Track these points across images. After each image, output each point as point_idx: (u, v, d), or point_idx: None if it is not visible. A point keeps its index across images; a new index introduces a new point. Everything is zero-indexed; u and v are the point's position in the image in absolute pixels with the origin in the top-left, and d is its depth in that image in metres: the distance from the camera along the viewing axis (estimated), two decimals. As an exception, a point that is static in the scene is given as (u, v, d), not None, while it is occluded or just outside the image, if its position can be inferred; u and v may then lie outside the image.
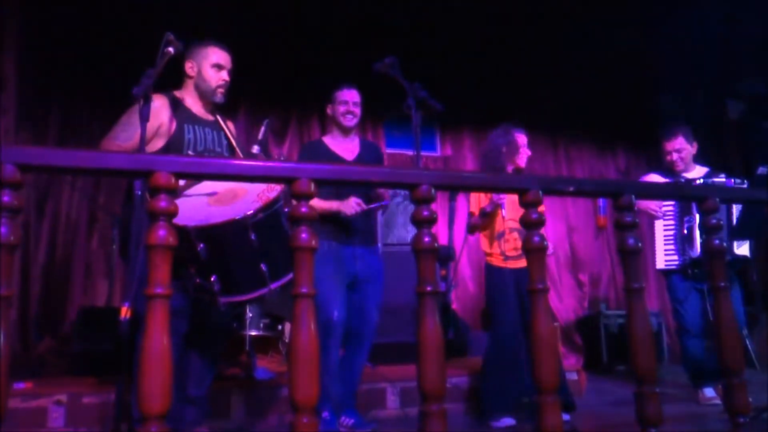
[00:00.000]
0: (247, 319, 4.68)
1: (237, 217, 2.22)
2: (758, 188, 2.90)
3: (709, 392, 3.80)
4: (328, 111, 3.40)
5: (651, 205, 3.91)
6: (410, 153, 5.83)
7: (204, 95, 2.81)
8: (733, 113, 6.41)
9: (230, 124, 2.98)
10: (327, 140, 3.42)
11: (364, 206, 3.12)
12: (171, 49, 2.30)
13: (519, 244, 3.45)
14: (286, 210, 2.35)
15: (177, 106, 2.73)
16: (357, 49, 5.28)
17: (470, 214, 3.57)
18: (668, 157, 4.00)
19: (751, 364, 5.38)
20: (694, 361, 3.88)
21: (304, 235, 1.44)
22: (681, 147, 3.97)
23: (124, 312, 1.92)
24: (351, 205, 3.09)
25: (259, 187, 2.34)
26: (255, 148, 2.66)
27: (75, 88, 5.11)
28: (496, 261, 3.49)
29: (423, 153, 6.04)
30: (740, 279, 3.97)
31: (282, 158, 2.78)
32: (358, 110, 3.36)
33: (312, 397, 1.40)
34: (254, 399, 3.43)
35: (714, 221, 1.93)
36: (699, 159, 4.15)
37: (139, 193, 1.96)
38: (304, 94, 5.69)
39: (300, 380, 1.40)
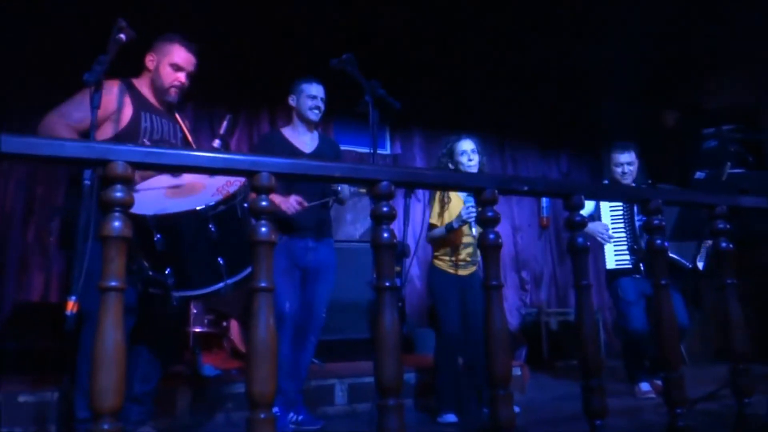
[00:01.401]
0: (191, 315, 4.60)
1: (198, 208, 2.17)
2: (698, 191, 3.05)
3: (644, 386, 3.95)
4: (291, 102, 3.36)
5: (599, 228, 4.03)
6: (361, 150, 5.85)
7: (157, 91, 2.75)
8: (669, 121, 6.69)
9: (186, 122, 2.93)
10: (286, 132, 3.39)
11: (305, 204, 3.09)
12: (123, 36, 2.24)
13: (470, 252, 3.51)
14: (245, 205, 2.32)
15: (134, 93, 2.67)
16: (309, 44, 5.26)
17: (430, 225, 3.58)
18: (619, 169, 4.12)
19: (682, 359, 5.62)
20: (634, 358, 4.04)
21: (264, 229, 1.43)
22: (632, 160, 4.13)
23: (71, 306, 1.85)
24: (291, 204, 3.06)
25: (218, 182, 2.30)
26: (216, 143, 2.61)
27: (22, 74, 4.88)
28: (444, 266, 3.53)
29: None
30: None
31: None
32: (323, 106, 3.36)
33: (270, 392, 1.40)
34: (200, 396, 3.36)
35: (656, 222, 2.02)
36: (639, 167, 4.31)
37: (88, 182, 1.89)
38: (253, 88, 5.62)
39: (258, 375, 1.39)
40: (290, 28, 5.41)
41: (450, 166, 3.57)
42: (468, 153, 3.55)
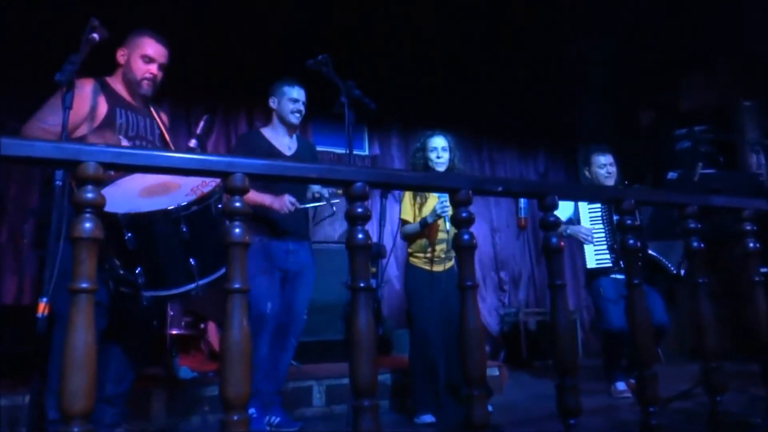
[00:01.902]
0: (168, 317, 4.56)
1: (170, 207, 2.16)
2: (670, 191, 3.09)
3: (620, 386, 4.00)
4: (272, 104, 3.34)
5: (581, 230, 4.10)
6: (338, 151, 5.85)
7: (130, 85, 2.73)
8: (644, 121, 6.79)
9: (164, 116, 2.91)
10: (266, 133, 3.37)
11: (298, 205, 3.09)
12: (96, 36, 2.21)
13: (443, 248, 3.52)
14: (219, 206, 2.30)
15: (108, 90, 2.64)
16: (286, 45, 5.24)
17: (402, 221, 3.59)
18: (603, 170, 4.21)
19: (657, 358, 5.71)
20: (612, 357, 4.09)
21: (237, 231, 1.42)
22: (613, 161, 4.25)
23: (42, 308, 1.83)
24: (284, 203, 3.05)
25: (194, 181, 2.28)
26: (192, 143, 2.60)
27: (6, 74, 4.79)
28: (419, 262, 3.54)
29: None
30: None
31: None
32: (304, 109, 3.35)
33: (243, 394, 1.39)
34: (176, 399, 3.34)
35: (630, 222, 2.05)
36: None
37: (60, 183, 1.87)
38: (231, 88, 5.59)
39: (231, 377, 1.38)
40: (267, 28, 5.38)
41: (421, 162, 3.58)
42: (438, 150, 3.57)
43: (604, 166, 4.21)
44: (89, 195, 1.31)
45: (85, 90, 2.53)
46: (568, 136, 7.15)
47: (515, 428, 3.18)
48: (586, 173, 4.36)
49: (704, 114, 5.42)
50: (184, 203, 2.17)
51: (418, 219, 3.50)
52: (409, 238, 3.59)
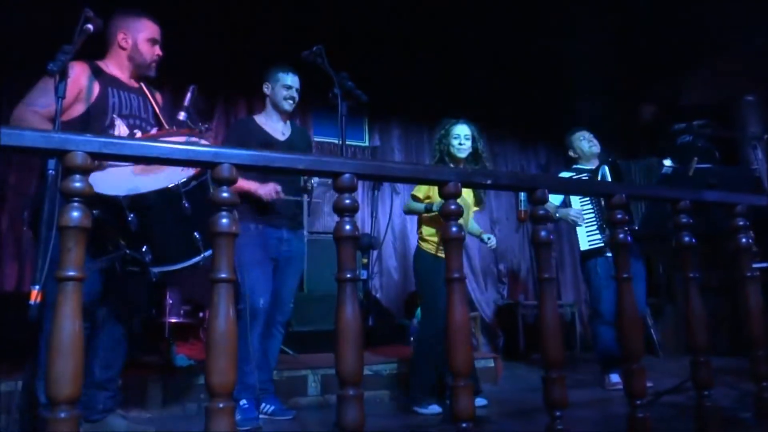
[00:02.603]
0: (166, 305, 4.58)
1: (170, 185, 2.17)
2: (662, 186, 3.10)
3: (614, 378, 4.01)
4: (265, 90, 3.35)
5: (571, 213, 4.17)
6: (337, 142, 5.83)
7: (139, 68, 2.77)
8: (645, 115, 6.77)
9: (158, 96, 2.93)
10: (259, 120, 3.37)
11: (282, 195, 3.09)
12: (90, 27, 2.22)
13: None
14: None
15: (99, 73, 2.66)
16: (287, 33, 5.24)
17: (413, 197, 3.59)
18: (583, 142, 4.39)
19: (655, 352, 5.72)
20: (605, 348, 4.10)
21: (224, 221, 1.43)
22: (592, 137, 4.44)
23: (34, 296, 1.85)
24: (269, 191, 3.06)
25: None
26: (181, 115, 2.59)
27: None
28: (431, 248, 3.52)
29: (351, 143, 6.16)
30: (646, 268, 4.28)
31: (206, 128, 2.69)
32: (297, 96, 3.35)
33: (228, 382, 1.40)
34: (172, 386, 3.37)
35: (620, 216, 2.05)
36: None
37: (52, 172, 1.88)
38: (231, 75, 5.59)
39: (216, 366, 1.39)
40: (268, 17, 5.38)
41: (444, 148, 3.60)
42: (461, 137, 3.60)
43: (585, 139, 4.39)
44: (77, 184, 1.33)
45: (75, 71, 2.52)
46: (569, 128, 7.13)
47: (505, 420, 3.20)
48: (571, 154, 4.50)
49: (706, 109, 5.39)
50: (183, 179, 2.19)
51: (427, 201, 3.51)
52: (414, 214, 3.61)
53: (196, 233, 2.27)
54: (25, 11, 4.72)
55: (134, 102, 2.74)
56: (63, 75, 2.04)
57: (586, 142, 4.37)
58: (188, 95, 2.69)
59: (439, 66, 6.17)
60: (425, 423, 3.19)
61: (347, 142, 3.02)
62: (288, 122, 3.43)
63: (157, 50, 2.81)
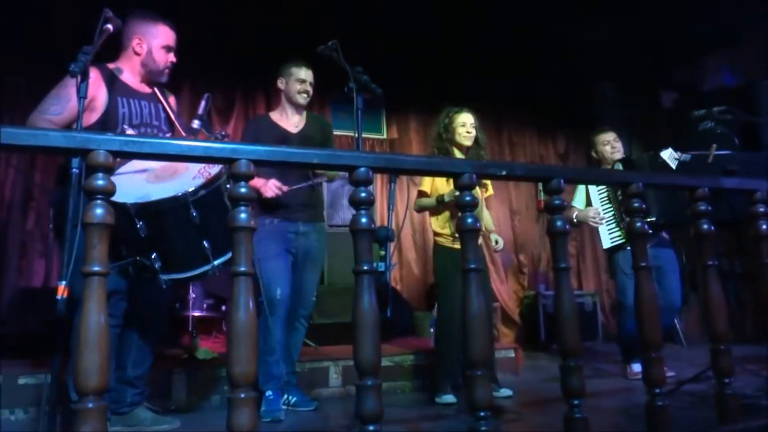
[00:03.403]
0: (189, 299, 4.66)
1: (178, 194, 2.20)
2: (681, 174, 3.07)
3: (636, 367, 3.98)
4: (280, 84, 3.38)
5: (589, 213, 4.12)
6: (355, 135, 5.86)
7: (151, 74, 2.78)
8: (666, 102, 6.68)
9: (171, 99, 2.94)
10: (274, 116, 3.41)
11: (284, 188, 3.09)
12: (110, 26, 2.26)
13: None
14: (228, 187, 2.34)
15: (111, 79, 2.66)
16: (305, 27, 5.25)
17: (421, 193, 3.61)
18: (608, 147, 4.30)
19: (679, 341, 5.68)
20: (628, 337, 4.08)
21: (243, 216, 1.47)
22: (617, 137, 4.35)
23: (61, 291, 1.90)
24: (270, 188, 3.06)
25: (199, 164, 2.31)
26: (196, 123, 2.61)
27: (8, 63, 4.90)
28: (446, 242, 3.55)
29: (369, 136, 6.17)
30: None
31: (222, 135, 2.72)
32: (311, 90, 3.37)
33: (250, 373, 1.44)
34: (196, 379, 3.43)
35: (636, 204, 2.05)
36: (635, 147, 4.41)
37: (77, 171, 1.93)
38: (249, 70, 5.63)
39: (238, 356, 1.43)
40: (287, 11, 5.40)
41: (450, 136, 3.59)
42: (468, 125, 3.60)
43: (608, 143, 4.30)
44: (100, 182, 1.37)
45: (89, 79, 2.56)
46: (588, 117, 7.07)
47: (526, 410, 3.21)
48: (593, 155, 4.46)
49: (728, 94, 5.31)
50: (191, 189, 2.21)
51: (435, 194, 3.52)
52: (427, 211, 3.62)
53: (205, 242, 2.29)
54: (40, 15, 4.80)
55: (145, 110, 2.74)
56: (84, 75, 2.08)
57: (608, 147, 4.29)
58: (203, 103, 2.68)
59: (456, 56, 6.15)
60: (442, 413, 3.21)
61: (365, 135, 3.04)
62: (304, 113, 3.44)
63: (172, 57, 2.80)
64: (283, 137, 3.27)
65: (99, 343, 1.33)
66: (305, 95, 3.34)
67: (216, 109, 5.62)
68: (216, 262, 2.32)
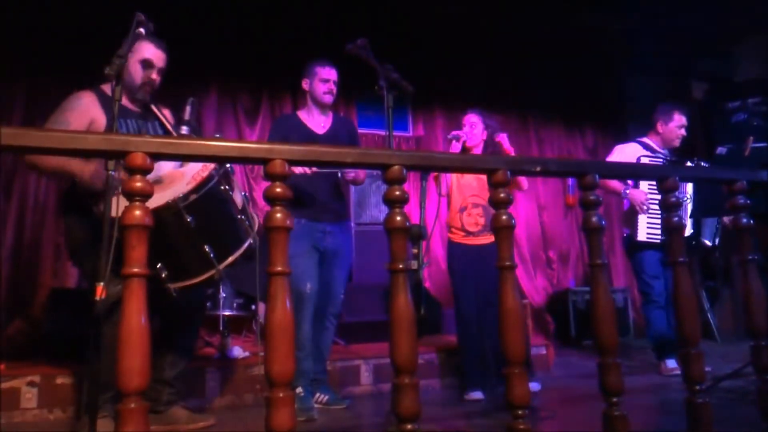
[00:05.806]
0: (220, 299, 4.70)
1: (169, 201, 2.20)
2: (717, 168, 3.01)
3: (671, 363, 3.93)
4: (304, 85, 3.40)
5: (639, 197, 3.99)
6: (382, 133, 5.86)
7: (128, 90, 2.69)
8: (697, 93, 6.56)
9: (166, 112, 2.87)
10: (301, 115, 3.44)
11: (308, 171, 3.06)
12: (142, 30, 2.28)
13: (481, 220, 3.54)
14: (223, 188, 2.35)
15: (105, 100, 2.60)
16: (330, 27, 5.27)
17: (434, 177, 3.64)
18: (680, 131, 4.19)
19: (712, 337, 5.58)
20: (657, 333, 4.02)
21: (279, 215, 1.47)
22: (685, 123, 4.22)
23: (100, 291, 1.93)
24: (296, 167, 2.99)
25: (195, 168, 2.31)
26: (184, 129, 2.54)
27: (39, 67, 4.99)
28: (457, 237, 3.57)
29: (395, 133, 6.14)
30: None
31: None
32: (336, 89, 3.39)
33: (287, 372, 1.44)
34: (228, 378, 3.47)
35: (673, 199, 2.01)
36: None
37: (114, 173, 1.95)
38: (276, 71, 5.65)
39: (275, 355, 1.44)
40: (312, 11, 5.41)
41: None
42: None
43: (683, 127, 4.18)
44: (138, 184, 1.38)
45: (83, 102, 2.57)
46: (617, 110, 6.97)
47: (560, 407, 3.18)
48: (658, 128, 4.25)
49: (760, 84, 5.19)
50: (181, 194, 2.20)
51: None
52: (438, 182, 3.67)
53: (206, 246, 2.29)
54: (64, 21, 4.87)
55: (142, 129, 2.72)
56: (119, 79, 2.10)
57: (682, 131, 4.19)
58: (188, 108, 2.60)
59: (481, 52, 6.11)
60: (473, 411, 3.20)
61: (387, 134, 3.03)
62: (330, 114, 3.47)
63: (151, 74, 2.70)
64: (310, 138, 3.28)
65: (140, 344, 1.34)
66: (330, 94, 3.36)
67: (243, 110, 5.65)
68: (220, 266, 2.33)
